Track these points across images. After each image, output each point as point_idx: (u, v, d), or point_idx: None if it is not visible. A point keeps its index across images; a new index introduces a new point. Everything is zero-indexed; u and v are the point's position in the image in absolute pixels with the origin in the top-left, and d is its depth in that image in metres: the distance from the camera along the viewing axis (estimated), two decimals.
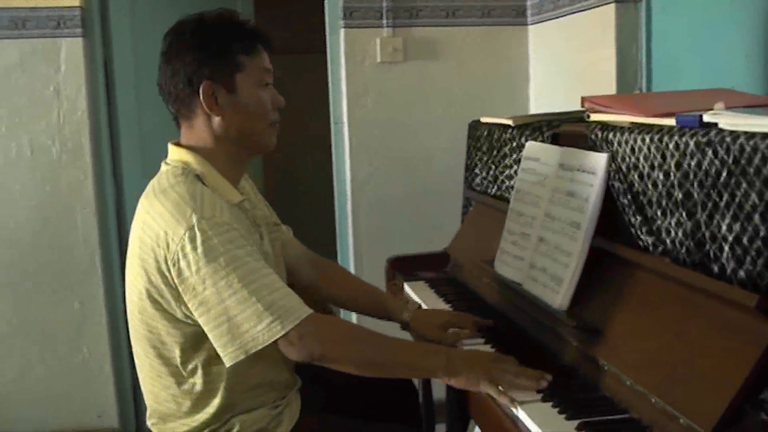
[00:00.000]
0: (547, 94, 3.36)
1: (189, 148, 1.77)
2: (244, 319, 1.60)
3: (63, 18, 3.21)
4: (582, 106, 1.87)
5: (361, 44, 3.35)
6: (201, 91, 1.72)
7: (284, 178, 5.33)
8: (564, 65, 3.16)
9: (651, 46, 2.64)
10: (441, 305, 2.26)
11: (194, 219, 1.61)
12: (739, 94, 1.83)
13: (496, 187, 2.45)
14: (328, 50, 3.41)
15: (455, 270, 2.56)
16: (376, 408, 2.01)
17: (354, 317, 3.18)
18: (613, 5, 2.66)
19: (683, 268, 1.44)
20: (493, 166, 2.46)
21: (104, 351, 3.41)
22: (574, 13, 2.97)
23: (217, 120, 1.75)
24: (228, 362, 1.63)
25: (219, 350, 1.63)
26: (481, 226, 2.50)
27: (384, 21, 3.32)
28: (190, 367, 1.73)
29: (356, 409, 1.96)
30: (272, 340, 1.60)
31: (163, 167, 1.79)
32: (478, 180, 2.62)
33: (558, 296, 1.73)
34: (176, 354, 1.72)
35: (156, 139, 3.52)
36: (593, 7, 2.81)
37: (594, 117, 1.81)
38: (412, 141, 3.45)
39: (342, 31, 3.34)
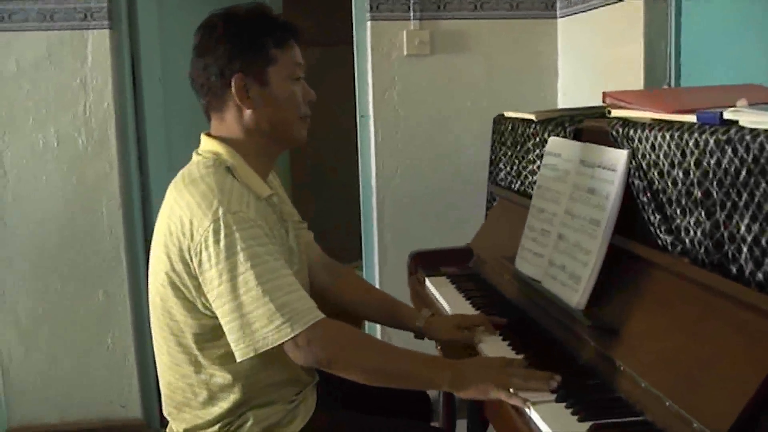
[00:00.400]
0: (576, 88, 3.32)
1: (221, 139, 1.78)
2: (255, 318, 1.59)
3: (90, 10, 3.22)
4: (603, 102, 1.83)
5: (388, 37, 3.33)
6: (233, 84, 1.72)
7: (311, 171, 5.32)
8: (592, 59, 3.11)
9: (680, 41, 2.59)
10: (461, 301, 2.24)
11: (220, 212, 1.61)
12: (765, 90, 1.79)
13: (519, 182, 2.42)
14: (354, 43, 3.38)
15: (478, 265, 2.54)
16: (391, 404, 1.99)
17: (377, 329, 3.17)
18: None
19: (701, 268, 1.41)
20: (517, 161, 2.44)
21: (128, 342, 3.43)
22: (603, 6, 2.92)
23: (248, 113, 1.75)
24: (238, 358, 1.63)
25: (231, 345, 1.64)
26: (505, 222, 2.48)
27: (411, 13, 3.29)
28: (209, 357, 1.73)
29: (371, 406, 1.95)
30: (281, 341, 1.60)
31: (195, 157, 1.80)
32: (502, 175, 2.59)
33: (576, 295, 1.71)
34: (196, 343, 1.72)
35: (182, 131, 3.56)
36: (622, 1, 2.76)
37: (615, 113, 1.77)
38: (438, 135, 3.42)
39: (368, 24, 3.31)
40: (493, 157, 2.68)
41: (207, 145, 1.79)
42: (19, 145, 3.29)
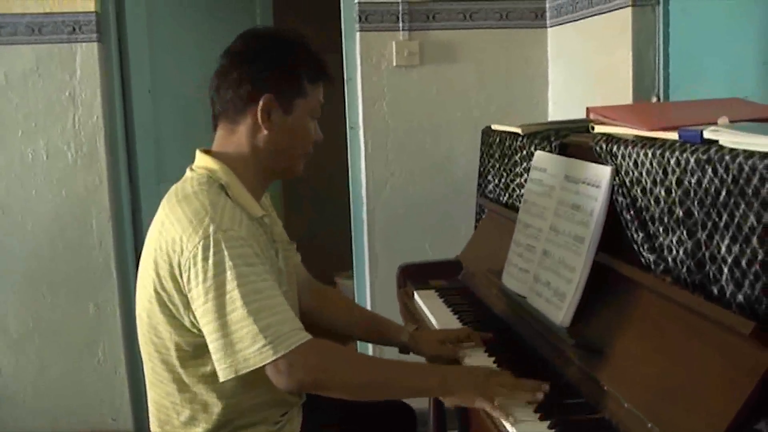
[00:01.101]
0: (566, 98, 3.31)
1: (218, 156, 1.77)
2: (239, 338, 1.58)
3: (78, 23, 3.22)
4: (587, 117, 1.82)
5: (377, 48, 3.32)
6: (261, 103, 1.72)
7: (303, 181, 5.31)
8: (582, 69, 3.11)
9: (668, 51, 2.58)
10: (449, 315, 2.24)
11: (211, 229, 1.60)
12: (749, 105, 1.78)
13: (507, 195, 2.42)
14: (343, 54, 3.37)
15: (467, 278, 2.52)
16: (376, 421, 1.99)
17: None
18: (630, 9, 2.61)
19: (683, 288, 1.40)
20: (505, 174, 2.43)
21: (119, 355, 3.43)
22: (592, 16, 2.92)
23: (264, 134, 1.75)
24: (221, 378, 1.61)
25: (215, 364, 1.62)
26: (493, 235, 2.47)
27: (400, 24, 3.29)
28: (192, 376, 1.72)
29: (357, 423, 1.94)
30: (262, 364, 1.57)
31: (188, 173, 1.79)
32: (490, 187, 2.58)
33: (560, 312, 1.70)
34: (180, 362, 1.71)
35: (172, 143, 3.55)
36: (611, 11, 2.76)
37: (598, 129, 1.76)
38: (428, 145, 3.41)
39: (357, 35, 3.31)
40: (481, 170, 2.67)
41: (202, 161, 1.78)
42: (9, 158, 3.30)
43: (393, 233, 3.41)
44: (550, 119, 3.36)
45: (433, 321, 2.21)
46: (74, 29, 3.23)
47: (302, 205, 5.12)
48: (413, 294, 2.49)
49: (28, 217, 3.32)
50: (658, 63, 2.61)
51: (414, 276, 2.62)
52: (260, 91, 1.72)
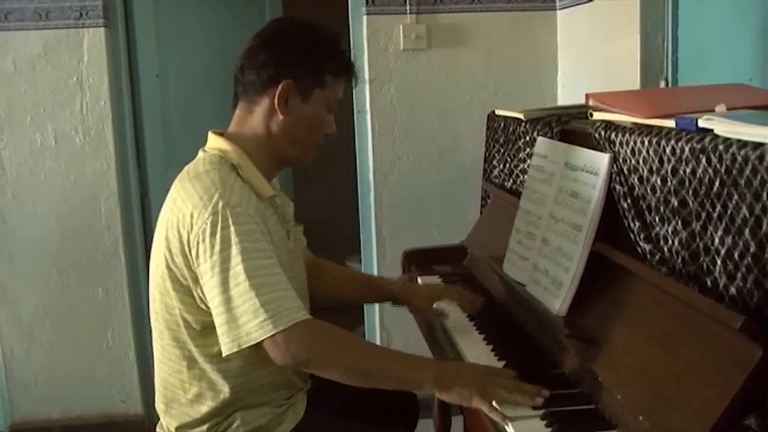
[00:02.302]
0: (575, 81, 3.28)
1: (230, 137, 1.81)
2: (242, 313, 1.60)
3: (85, 8, 3.22)
4: (586, 103, 1.80)
5: (384, 31, 3.30)
6: (280, 87, 1.75)
7: (309, 166, 5.31)
8: (592, 52, 3.07)
9: (677, 34, 2.55)
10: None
11: (220, 205, 1.63)
12: (751, 91, 1.75)
13: (511, 180, 2.40)
14: (350, 37, 3.35)
15: (471, 264, 2.52)
16: (381, 412, 2.00)
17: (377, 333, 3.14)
18: None
19: (678, 279, 1.38)
20: (509, 160, 2.41)
21: (128, 338, 3.45)
22: None
23: (279, 118, 1.78)
24: (224, 352, 1.63)
25: (219, 338, 1.64)
26: (498, 220, 2.45)
27: (407, 7, 3.27)
28: (203, 354, 1.74)
29: (361, 413, 1.95)
30: (263, 338, 1.58)
31: (201, 154, 1.83)
32: (495, 172, 2.57)
33: (558, 301, 1.69)
34: (191, 338, 1.74)
35: (179, 128, 3.56)
36: None
37: (597, 115, 1.74)
38: (436, 130, 3.40)
39: (364, 18, 3.29)
40: (487, 155, 2.66)
41: (214, 142, 1.81)
42: (18, 143, 3.31)
43: (400, 217, 3.40)
44: (559, 103, 3.33)
45: (435, 306, 2.20)
46: (81, 14, 3.23)
47: (312, 189, 5.12)
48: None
49: (38, 203, 3.34)
50: (667, 47, 2.57)
51: (418, 261, 2.62)
52: (282, 75, 1.75)
